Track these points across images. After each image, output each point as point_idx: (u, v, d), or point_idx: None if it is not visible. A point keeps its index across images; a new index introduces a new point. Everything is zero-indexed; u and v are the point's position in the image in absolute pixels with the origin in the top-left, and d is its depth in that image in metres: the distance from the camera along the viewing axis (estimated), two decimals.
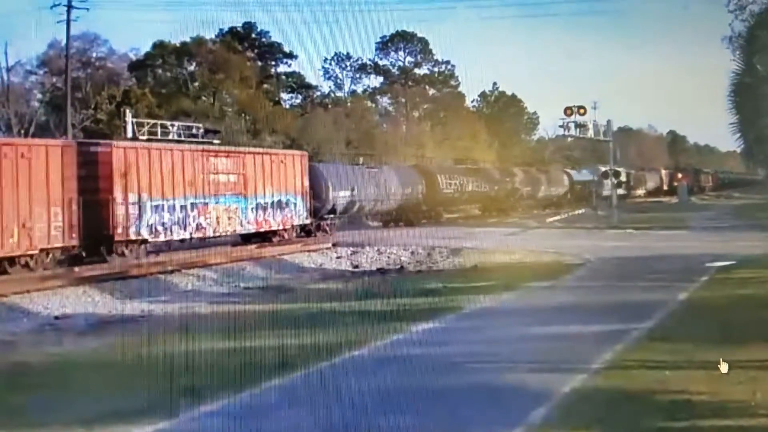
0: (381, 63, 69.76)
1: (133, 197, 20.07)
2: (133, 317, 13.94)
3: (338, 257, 23.11)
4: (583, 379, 7.70)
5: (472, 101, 77.16)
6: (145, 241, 20.58)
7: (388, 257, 22.87)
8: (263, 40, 61.10)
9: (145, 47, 51.26)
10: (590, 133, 34.19)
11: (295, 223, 25.99)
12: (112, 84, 47.63)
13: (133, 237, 20.08)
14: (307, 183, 26.53)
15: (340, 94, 67.88)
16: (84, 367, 9.85)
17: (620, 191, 52.09)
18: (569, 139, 47.71)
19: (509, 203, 43.73)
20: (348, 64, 68.64)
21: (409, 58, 70.09)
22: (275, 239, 24.72)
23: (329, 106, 61.99)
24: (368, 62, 69.40)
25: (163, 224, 21.06)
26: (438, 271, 19.87)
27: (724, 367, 7.49)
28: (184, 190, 21.67)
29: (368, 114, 62.30)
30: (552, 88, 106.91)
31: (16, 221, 17.04)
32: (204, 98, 50.12)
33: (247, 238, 24.33)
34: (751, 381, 7.34)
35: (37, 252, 17.51)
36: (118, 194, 19.69)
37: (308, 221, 26.54)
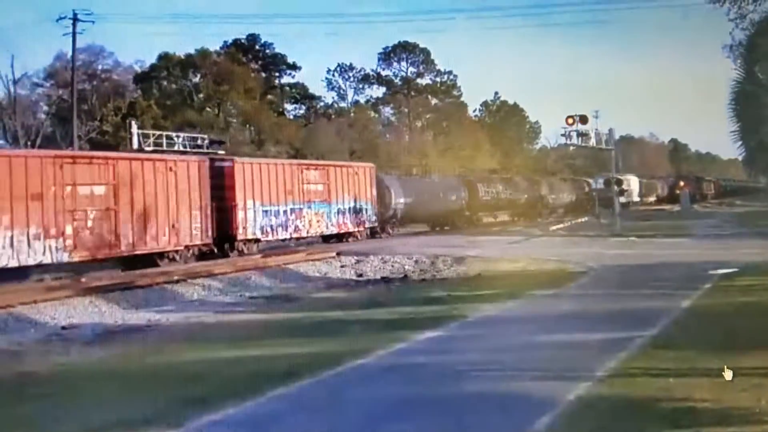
0: (384, 73, 70.16)
1: (249, 204, 24.59)
2: (140, 327, 13.96)
3: (342, 266, 23.16)
4: (587, 387, 7.69)
5: (474, 111, 77.49)
6: (258, 240, 25.12)
7: (392, 266, 22.91)
8: (267, 51, 61.50)
9: (151, 59, 51.78)
10: (592, 142, 34.21)
11: (366, 226, 30.52)
12: (117, 96, 47.93)
13: (250, 236, 24.65)
14: (375, 191, 31.17)
15: (343, 104, 68.26)
16: (90, 377, 9.89)
17: (635, 198, 57.07)
18: (571, 147, 48.09)
19: (536, 210, 47.38)
20: (351, 74, 69.04)
21: (411, 69, 70.45)
22: (350, 239, 29.14)
23: (332, 117, 62.23)
24: (371, 73, 69.75)
25: (271, 226, 25.68)
26: (442, 280, 19.86)
27: (728, 375, 7.49)
28: (285, 198, 26.23)
29: (371, 124, 62.52)
30: (554, 97, 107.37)
31: (167, 223, 21.35)
32: (209, 109, 50.38)
33: (325, 239, 28.85)
34: (755, 388, 7.33)
35: (182, 248, 21.90)
36: (239, 201, 24.12)
37: (376, 224, 31.09)
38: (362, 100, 69.09)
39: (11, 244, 17.67)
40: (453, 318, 12.63)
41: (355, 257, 24.11)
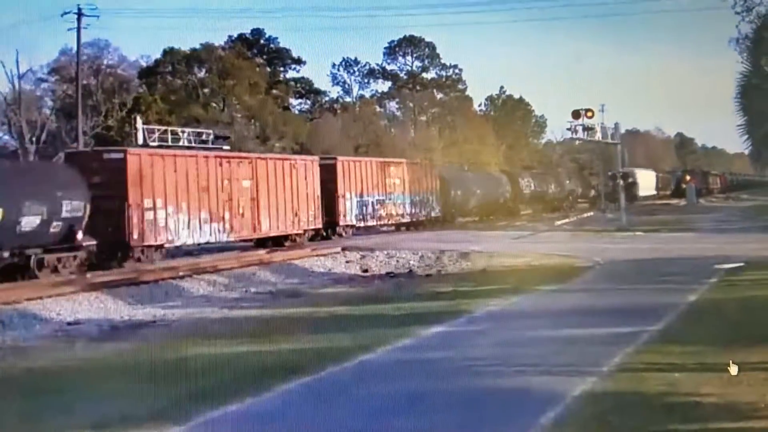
0: (389, 68, 69.92)
1: (348, 195, 29.60)
2: (145, 323, 13.98)
3: (348, 261, 23.18)
4: (594, 382, 7.71)
5: (479, 105, 77.16)
6: (353, 226, 29.93)
7: (398, 261, 22.92)
8: (272, 46, 61.34)
9: (156, 54, 51.54)
10: (598, 136, 34.16)
11: (432, 215, 35.34)
12: (122, 91, 47.87)
13: (348, 222, 29.70)
14: (437, 185, 36.00)
15: (348, 99, 68.07)
16: (96, 373, 9.92)
17: (652, 192, 61.47)
18: (577, 142, 48.33)
19: (567, 201, 51.58)
20: (356, 69, 68.86)
21: (416, 63, 70.22)
22: (421, 228, 33.40)
23: (338, 111, 62.14)
24: (376, 67, 69.60)
25: (363, 214, 30.67)
26: (447, 275, 19.89)
27: (734, 370, 7.50)
28: (373, 190, 31.25)
29: (376, 118, 62.41)
30: (559, 91, 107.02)
31: (291, 211, 26.44)
32: (214, 104, 50.35)
33: (397, 227, 33.39)
34: (761, 383, 7.35)
35: (302, 232, 26.91)
36: (341, 193, 29.17)
37: (439, 214, 35.90)
38: (367, 95, 69.01)
39: (188, 227, 22.32)
40: (458, 313, 12.64)
41: (360, 252, 24.13)
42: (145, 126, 24.36)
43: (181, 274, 18.70)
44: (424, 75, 70.42)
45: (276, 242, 25.75)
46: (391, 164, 33.96)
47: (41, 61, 53.48)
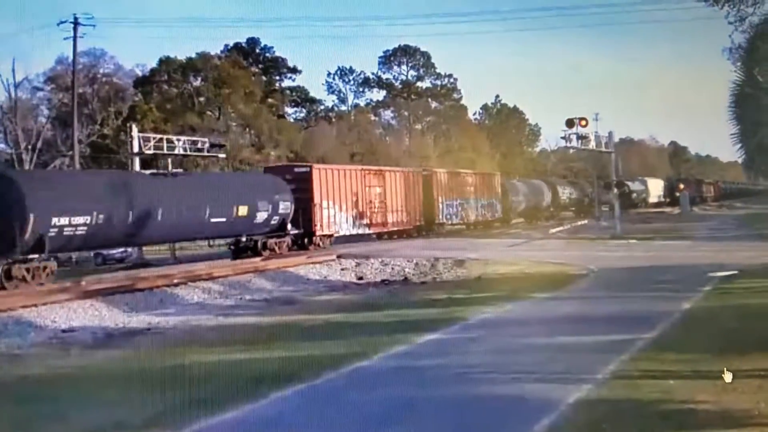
0: (384, 77, 70.16)
1: (440, 199, 37.03)
2: (140, 330, 13.98)
3: (343, 269, 23.16)
4: (588, 390, 7.72)
5: (474, 113, 77.44)
6: (443, 224, 37.09)
7: (392, 269, 22.92)
8: (267, 55, 61.53)
9: (152, 63, 51.68)
10: (592, 145, 34.27)
11: (496, 216, 42.56)
12: (118, 99, 47.90)
13: (441, 221, 37.03)
14: (500, 191, 43.21)
15: (343, 107, 68.25)
16: (90, 380, 9.92)
17: (660, 199, 67.17)
18: (571, 150, 48.81)
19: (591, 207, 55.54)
20: (351, 78, 69.07)
21: (411, 72, 70.47)
22: (494, 227, 40.47)
23: (333, 120, 62.24)
24: (371, 76, 69.79)
25: (450, 214, 37.86)
26: (442, 282, 19.91)
27: (728, 377, 7.52)
28: (457, 195, 38.84)
29: (371, 127, 62.52)
30: (554, 100, 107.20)
31: (405, 210, 33.89)
32: (209, 113, 50.39)
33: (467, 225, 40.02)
34: (755, 390, 7.37)
35: (412, 227, 34.31)
36: (437, 197, 36.67)
37: (502, 215, 43.16)
38: (362, 104, 69.20)
39: (345, 221, 30.04)
40: (453, 320, 12.65)
41: (355, 260, 24.12)
42: (140, 134, 24.36)
43: (175, 281, 18.68)
44: (419, 84, 70.64)
45: (398, 234, 33.28)
46: (469, 174, 41.52)
47: (37, 69, 53.57)
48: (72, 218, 18.54)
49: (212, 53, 53.22)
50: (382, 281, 21.02)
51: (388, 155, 54.28)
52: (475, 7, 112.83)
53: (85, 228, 18.91)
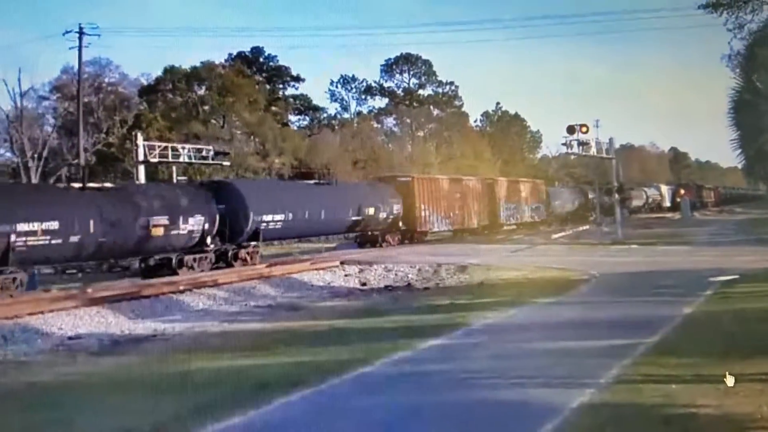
0: (386, 85, 70.43)
1: (502, 203, 44.36)
2: (146, 337, 14.02)
3: (346, 275, 23.25)
4: (591, 394, 7.75)
5: (475, 121, 77.65)
6: (503, 224, 44.09)
7: (396, 275, 22.99)
8: (271, 64, 61.79)
9: (156, 72, 51.92)
10: (593, 151, 34.37)
11: (542, 218, 48.92)
12: (123, 108, 48.06)
13: (501, 222, 44.07)
14: (545, 197, 50.24)
15: (346, 115, 68.49)
16: (97, 387, 9.93)
17: (668, 204, 71.76)
18: (572, 157, 49.37)
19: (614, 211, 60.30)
20: (353, 86, 69.34)
21: (413, 80, 70.70)
22: (541, 228, 46.45)
23: (336, 127, 62.41)
24: (374, 84, 70.00)
25: (508, 216, 45.15)
26: (445, 288, 19.93)
27: (730, 381, 7.56)
28: (513, 200, 45.98)
29: (374, 134, 62.67)
30: (554, 106, 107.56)
31: (477, 212, 41.15)
32: (214, 121, 50.54)
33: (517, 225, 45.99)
34: (757, 394, 7.38)
35: (480, 227, 41.07)
36: (499, 201, 43.90)
37: (546, 218, 49.46)
38: (365, 111, 69.39)
39: (436, 221, 36.92)
40: (456, 326, 12.70)
41: (359, 266, 24.20)
42: (145, 143, 24.47)
43: (181, 288, 18.77)
44: (421, 91, 70.89)
45: (470, 231, 39.74)
46: (522, 182, 48.88)
47: (43, 79, 53.78)
48: (274, 216, 25.64)
49: (216, 62, 53.57)
50: (386, 287, 21.08)
51: (391, 162, 54.40)
52: (477, 15, 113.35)
53: (282, 223, 25.91)
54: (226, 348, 12.30)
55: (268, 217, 25.09)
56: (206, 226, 22.72)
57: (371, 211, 31.37)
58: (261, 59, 61.62)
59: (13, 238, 17.31)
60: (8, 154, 45.23)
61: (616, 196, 35.86)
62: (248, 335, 13.84)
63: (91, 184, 21.59)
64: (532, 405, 7.60)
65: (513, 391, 8.15)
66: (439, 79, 71.10)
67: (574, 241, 34.13)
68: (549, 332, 11.81)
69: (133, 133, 30.13)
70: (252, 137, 51.77)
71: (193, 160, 24.08)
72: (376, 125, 66.08)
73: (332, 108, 69.39)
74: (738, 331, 10.76)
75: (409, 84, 70.75)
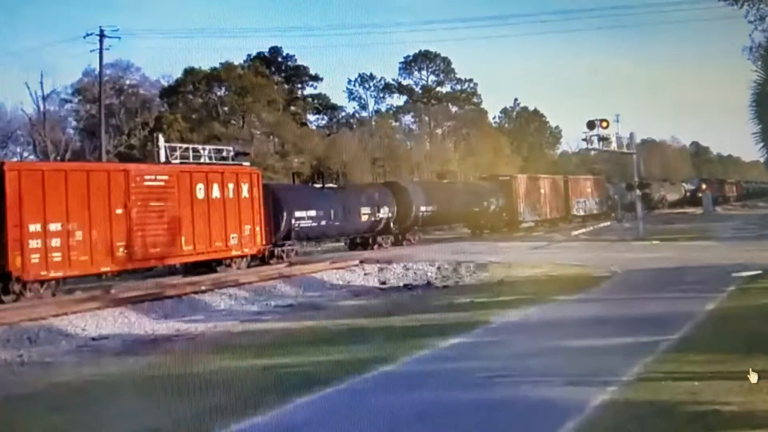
0: (404, 82, 70.24)
1: (574, 198, 49.29)
2: (169, 337, 14.16)
3: (366, 274, 23.28)
4: (613, 392, 7.71)
5: (494, 117, 77.29)
6: (576, 216, 48.79)
7: (415, 273, 22.97)
8: (289, 63, 61.92)
9: (177, 74, 52.16)
10: (613, 146, 34.14)
11: (604, 211, 51.96)
12: (144, 110, 48.43)
13: (575, 213, 49.03)
14: (603, 192, 54.08)
15: (364, 113, 68.43)
16: (120, 387, 10.05)
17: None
18: (592, 152, 49.24)
19: (658, 205, 63.66)
20: (371, 84, 69.22)
21: (432, 77, 70.47)
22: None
23: (354, 126, 62.44)
24: (392, 82, 69.89)
25: (579, 209, 49.64)
26: (465, 286, 19.90)
27: (753, 378, 7.51)
28: (582, 195, 50.99)
29: (392, 132, 62.60)
30: (574, 102, 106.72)
31: (556, 206, 46.56)
32: (233, 122, 50.76)
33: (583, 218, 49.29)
34: None
35: (558, 218, 46.67)
36: (572, 197, 48.73)
37: (607, 210, 52.06)
38: (383, 109, 69.32)
39: (528, 212, 43.57)
40: (476, 324, 12.69)
41: (378, 265, 24.22)
42: (167, 144, 24.64)
43: (203, 288, 18.92)
44: (439, 89, 70.61)
45: (550, 222, 45.08)
46: (587, 180, 54.34)
47: (65, 82, 54.39)
48: (426, 207, 33.21)
49: (235, 63, 53.71)
50: (405, 286, 21.08)
51: (409, 160, 54.36)
52: (494, 11, 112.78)
53: (430, 213, 33.48)
54: (247, 347, 12.39)
55: (423, 208, 33.66)
56: (390, 215, 31.28)
57: (484, 204, 39.77)
58: (279, 59, 61.78)
59: (293, 222, 26.17)
60: (32, 157, 45.78)
61: (638, 192, 35.56)
62: (269, 335, 13.92)
63: (329, 185, 31.21)
64: (553, 403, 7.59)
65: (534, 389, 8.14)
66: (457, 76, 70.90)
67: (595, 238, 33.93)
68: (570, 330, 11.77)
69: (155, 135, 30.34)
70: (271, 137, 51.97)
71: (214, 161, 24.30)
72: (394, 123, 66.02)
73: (350, 107, 69.44)
74: (761, 327, 10.66)
75: (427, 81, 70.58)
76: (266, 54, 60.52)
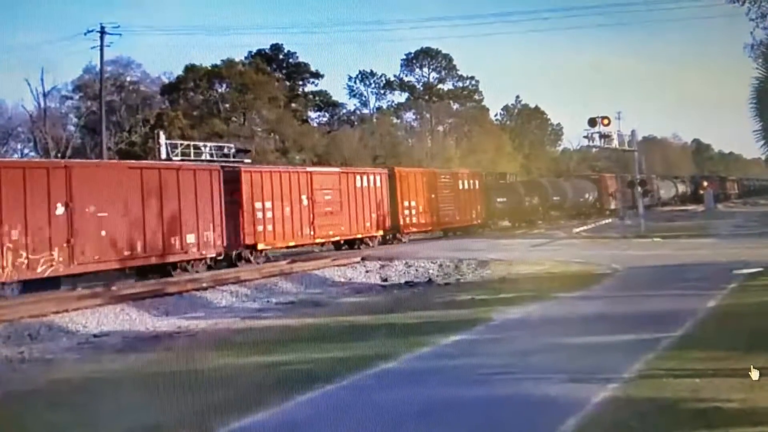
0: (406, 79, 70.14)
1: (606, 193, 53.36)
2: (170, 333, 14.14)
3: (367, 271, 23.27)
4: (614, 389, 7.72)
5: (495, 114, 77.20)
6: (609, 207, 52.17)
7: (416, 270, 22.95)
8: (290, 60, 61.82)
9: (178, 71, 52.08)
10: (615, 143, 34.13)
11: (617, 207, 52.52)
12: (145, 107, 48.41)
13: (609, 208, 52.01)
14: (619, 187, 54.79)
15: (365, 110, 68.34)
16: (121, 384, 10.06)
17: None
18: (594, 149, 49.23)
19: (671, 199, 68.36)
20: (372, 81, 69.10)
21: (433, 74, 70.38)
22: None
23: (355, 123, 62.39)
24: (393, 79, 69.80)
25: (610, 202, 52.58)
26: (466, 284, 19.88)
27: (754, 375, 7.50)
28: (613, 191, 53.32)
29: (393, 129, 62.55)
30: (575, 99, 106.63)
31: (612, 200, 52.88)
32: (234, 119, 50.72)
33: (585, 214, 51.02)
34: None
35: (595, 211, 51.19)
36: (608, 191, 53.19)
37: (631, 204, 51.07)
38: (384, 106, 69.24)
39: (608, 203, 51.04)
40: (478, 321, 12.69)
41: (380, 262, 24.21)
42: (168, 141, 24.69)
43: (204, 285, 18.92)
44: (441, 86, 70.52)
45: (584, 215, 47.55)
46: (611, 177, 55.56)
47: (66, 79, 54.22)
48: (556, 197, 45.24)
49: (236, 60, 53.66)
50: (407, 283, 21.07)
51: (411, 157, 54.33)
52: (496, 8, 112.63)
53: (558, 201, 44.89)
54: (248, 345, 12.39)
55: (556, 198, 44.13)
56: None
57: (583, 196, 48.55)
58: (280, 56, 61.72)
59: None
60: (32, 154, 45.82)
61: (639, 189, 35.53)
62: (270, 332, 13.92)
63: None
64: (553, 400, 7.58)
65: (536, 386, 8.14)
66: (459, 73, 70.83)
67: (597, 235, 33.90)
68: (571, 327, 11.77)
69: (156, 132, 30.36)
70: (272, 134, 51.95)
71: (215, 158, 24.25)
72: (395, 120, 65.96)
73: (351, 104, 69.35)
74: (763, 324, 10.65)
75: (428, 78, 70.51)
76: (267, 51, 60.45)
